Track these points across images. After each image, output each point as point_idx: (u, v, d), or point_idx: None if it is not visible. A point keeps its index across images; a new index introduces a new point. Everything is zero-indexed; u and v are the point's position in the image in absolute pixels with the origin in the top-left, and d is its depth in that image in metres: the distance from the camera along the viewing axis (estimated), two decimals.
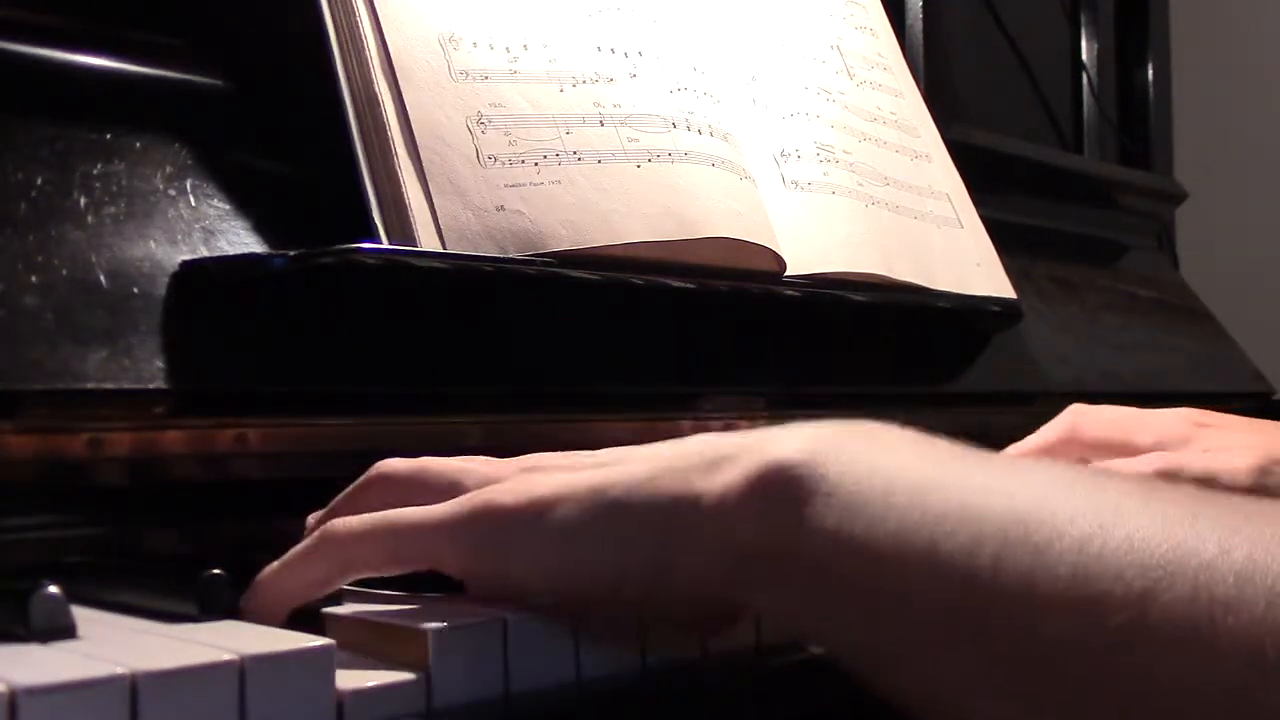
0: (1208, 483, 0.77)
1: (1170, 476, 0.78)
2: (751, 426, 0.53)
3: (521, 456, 0.55)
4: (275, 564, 0.49)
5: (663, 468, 0.48)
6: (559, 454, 0.54)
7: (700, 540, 0.46)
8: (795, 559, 0.44)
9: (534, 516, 0.48)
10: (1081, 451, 0.84)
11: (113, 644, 0.42)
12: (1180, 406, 0.90)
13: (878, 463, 0.44)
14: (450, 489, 0.51)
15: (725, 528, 0.45)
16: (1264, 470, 0.79)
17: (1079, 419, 0.86)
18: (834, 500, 0.43)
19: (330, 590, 0.49)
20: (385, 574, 0.50)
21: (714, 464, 0.46)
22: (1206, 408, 0.91)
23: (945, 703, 0.42)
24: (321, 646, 0.42)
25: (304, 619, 0.48)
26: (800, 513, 0.43)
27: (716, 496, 0.45)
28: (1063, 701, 0.39)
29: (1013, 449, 0.84)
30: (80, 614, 0.44)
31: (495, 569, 0.49)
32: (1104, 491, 0.41)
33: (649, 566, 0.47)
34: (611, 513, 0.47)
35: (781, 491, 0.44)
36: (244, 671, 0.39)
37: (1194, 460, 0.79)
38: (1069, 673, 0.38)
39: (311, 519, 0.55)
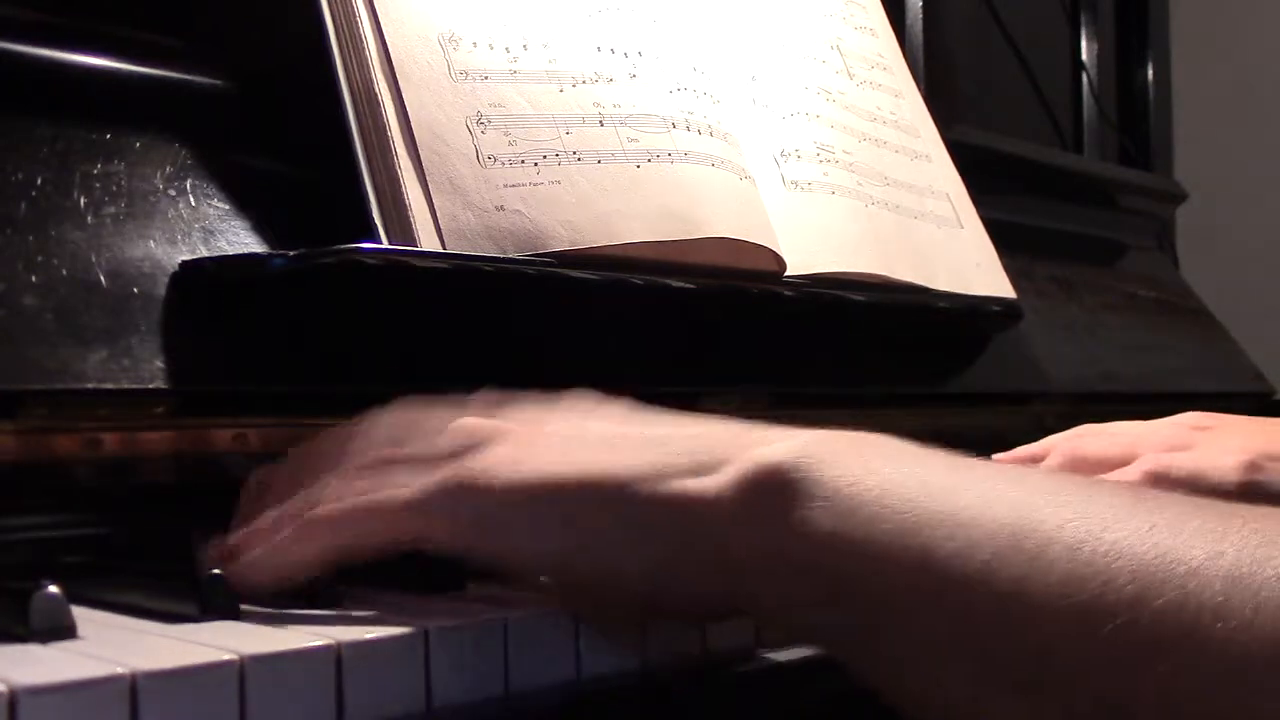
0: (1196, 482, 0.77)
1: (1159, 478, 0.78)
2: None
3: (484, 393, 0.55)
4: (260, 550, 0.50)
5: (657, 464, 0.47)
6: (526, 397, 0.53)
7: (695, 544, 0.46)
8: (789, 563, 0.44)
9: (525, 498, 0.48)
10: (1087, 471, 0.83)
11: (113, 644, 0.42)
12: (1179, 406, 0.90)
13: (870, 468, 0.44)
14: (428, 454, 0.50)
15: (720, 531, 0.45)
16: (1254, 467, 0.79)
17: (1078, 442, 0.85)
18: (828, 504, 0.43)
19: (314, 574, 0.50)
20: (366, 557, 0.50)
21: (708, 465, 0.46)
22: (1207, 407, 0.91)
23: (943, 706, 0.43)
24: (321, 646, 0.42)
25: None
26: (793, 516, 0.44)
27: (711, 499, 0.46)
28: (1059, 705, 0.39)
29: (1000, 457, 0.84)
30: (80, 614, 0.44)
31: (487, 544, 0.49)
32: (1092, 500, 0.41)
33: (645, 565, 0.47)
34: (606, 509, 0.47)
35: (775, 495, 0.44)
36: (244, 671, 0.40)
37: (1183, 461, 0.79)
38: (1063, 677, 0.39)
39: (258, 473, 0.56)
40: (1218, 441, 0.82)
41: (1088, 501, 0.41)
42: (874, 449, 0.46)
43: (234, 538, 0.51)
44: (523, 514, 0.48)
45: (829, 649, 0.46)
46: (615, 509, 0.47)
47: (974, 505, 0.42)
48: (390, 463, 0.51)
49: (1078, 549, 0.39)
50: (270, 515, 0.51)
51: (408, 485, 0.49)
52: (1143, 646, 0.37)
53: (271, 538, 0.50)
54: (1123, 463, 0.82)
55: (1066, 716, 0.39)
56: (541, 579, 0.50)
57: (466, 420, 0.51)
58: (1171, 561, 0.38)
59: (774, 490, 0.44)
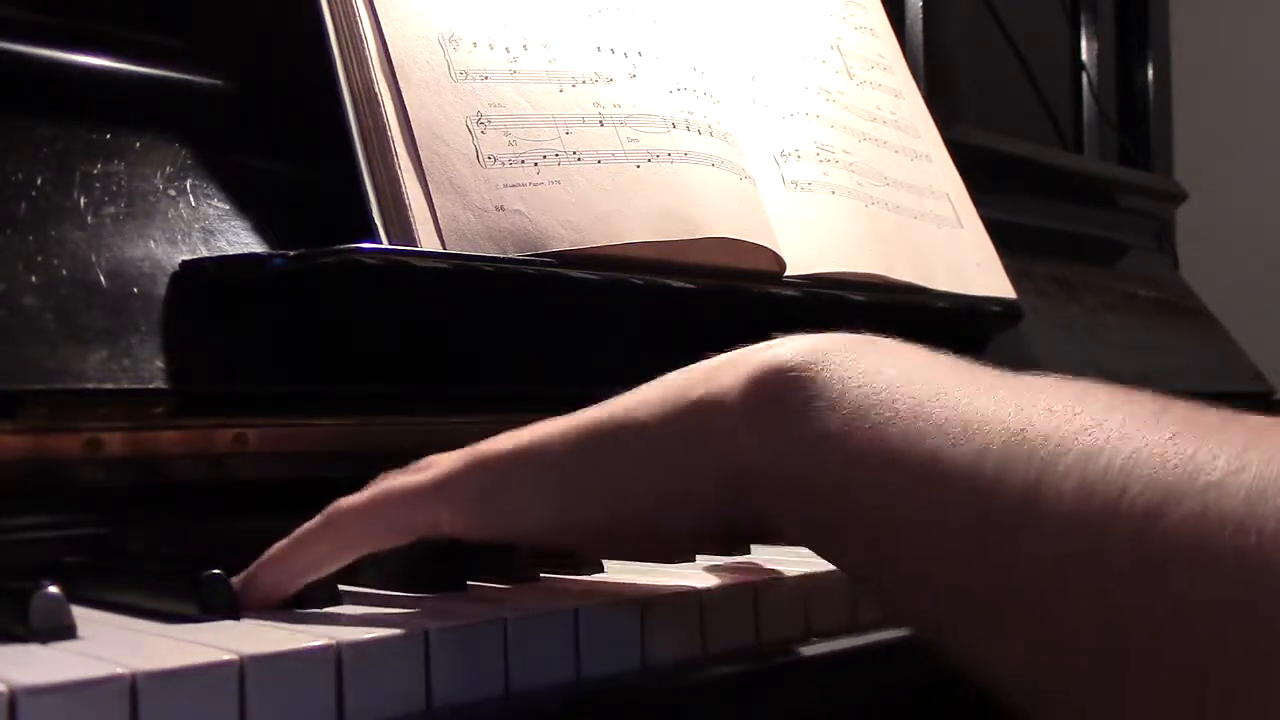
0: None
1: None
2: None
3: None
4: (282, 542, 0.50)
5: (657, 392, 0.47)
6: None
7: (699, 453, 0.45)
8: (795, 466, 0.42)
9: (528, 458, 0.48)
10: None
11: (113, 644, 0.42)
12: None
13: (880, 369, 0.42)
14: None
15: (724, 436, 0.44)
16: None
17: None
18: (834, 404, 0.42)
19: (334, 568, 0.50)
20: (390, 546, 0.50)
21: (710, 374, 0.45)
22: None
23: (946, 621, 0.41)
24: (321, 646, 0.42)
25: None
26: (800, 417, 0.42)
27: (713, 403, 0.44)
28: (1065, 619, 0.37)
29: None
30: (80, 614, 0.44)
31: (495, 518, 0.49)
32: (1113, 408, 0.39)
33: (651, 492, 0.46)
34: (607, 443, 0.47)
35: (780, 396, 0.43)
36: (244, 671, 0.39)
37: None
38: (1072, 589, 0.37)
39: None
40: None
41: (1107, 410, 0.39)
42: (884, 350, 0.44)
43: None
44: (529, 475, 0.48)
45: (837, 562, 0.45)
46: (621, 444, 0.46)
47: (987, 410, 0.40)
48: (413, 466, 0.52)
49: (1094, 456, 0.37)
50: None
51: (426, 475, 0.50)
52: (1158, 557, 0.35)
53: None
54: None
55: (1075, 639, 0.37)
56: (549, 540, 0.50)
57: None
58: (1192, 473, 0.36)
59: (780, 390, 0.43)
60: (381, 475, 0.53)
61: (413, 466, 0.52)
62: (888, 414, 0.41)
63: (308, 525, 0.50)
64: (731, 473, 0.44)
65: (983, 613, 0.39)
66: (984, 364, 0.44)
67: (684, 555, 0.52)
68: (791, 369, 0.43)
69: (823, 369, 0.43)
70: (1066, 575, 0.37)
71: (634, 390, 0.48)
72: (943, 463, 0.39)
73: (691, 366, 0.47)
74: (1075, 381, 0.42)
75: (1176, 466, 0.36)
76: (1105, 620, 0.36)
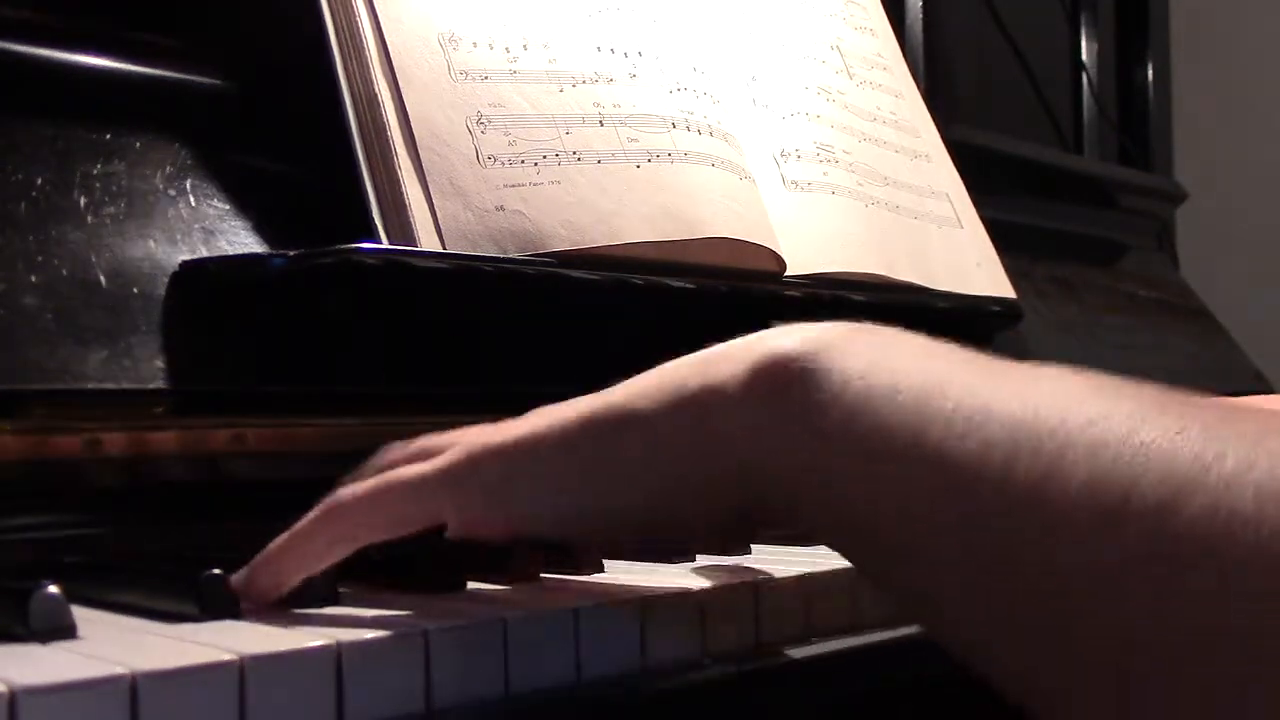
0: None
1: None
2: None
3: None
4: (280, 537, 0.48)
5: (654, 382, 0.46)
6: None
7: (700, 445, 0.44)
8: (799, 458, 0.41)
9: (530, 449, 0.47)
10: None
11: (113, 644, 0.42)
12: None
13: (883, 360, 0.41)
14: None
15: (724, 428, 0.43)
16: None
17: None
18: (837, 396, 0.41)
19: (332, 562, 0.48)
20: (391, 537, 0.49)
21: (709, 364, 0.44)
22: None
23: (951, 616, 0.40)
24: (321, 646, 0.42)
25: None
26: (801, 409, 0.41)
27: (712, 394, 0.43)
28: (1074, 617, 0.36)
29: None
30: (80, 614, 0.44)
31: (498, 511, 0.47)
32: (1119, 400, 0.38)
33: (654, 484, 0.45)
34: (608, 435, 0.46)
35: (782, 388, 0.42)
36: (244, 671, 0.39)
37: None
38: (1082, 589, 0.36)
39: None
40: None
41: (1115, 401, 0.38)
42: (888, 340, 0.43)
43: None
44: (530, 468, 0.47)
45: (842, 554, 0.44)
46: (622, 437, 0.46)
47: (993, 403, 0.39)
48: (412, 455, 0.51)
49: (1102, 450, 0.36)
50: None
51: (428, 466, 0.48)
52: (1170, 555, 0.34)
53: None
54: None
55: (1085, 637, 0.36)
56: (555, 533, 0.49)
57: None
58: (1204, 467, 0.35)
59: (782, 380, 0.42)
60: (382, 450, 0.51)
61: (407, 451, 0.51)
62: (890, 406, 0.40)
63: (306, 517, 0.48)
64: (733, 464, 0.43)
65: (988, 610, 0.38)
66: (984, 353, 0.43)
67: (684, 553, 0.51)
68: (794, 360, 0.42)
69: (825, 360, 0.41)
70: (1078, 572, 0.36)
71: (631, 381, 0.47)
72: (947, 458, 0.38)
73: (689, 357, 0.46)
74: (1079, 372, 0.41)
75: (1187, 462, 0.35)
76: (1119, 616, 0.35)
